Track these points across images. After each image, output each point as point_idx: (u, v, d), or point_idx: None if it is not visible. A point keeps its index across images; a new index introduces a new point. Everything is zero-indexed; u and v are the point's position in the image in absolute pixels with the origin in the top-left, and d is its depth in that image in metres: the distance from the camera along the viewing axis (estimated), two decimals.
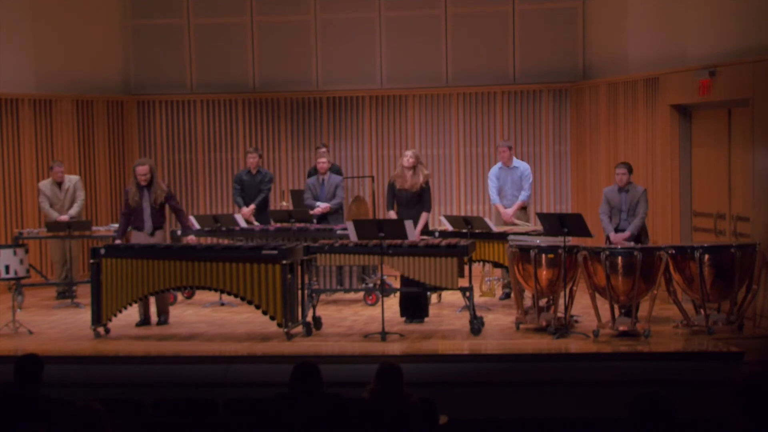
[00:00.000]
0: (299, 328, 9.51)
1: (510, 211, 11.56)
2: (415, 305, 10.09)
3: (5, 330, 9.80)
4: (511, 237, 10.07)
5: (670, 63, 11.04)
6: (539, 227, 10.72)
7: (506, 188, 11.69)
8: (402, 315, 10.09)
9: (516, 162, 11.78)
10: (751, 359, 8.21)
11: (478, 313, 9.69)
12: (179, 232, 11.72)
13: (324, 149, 12.26)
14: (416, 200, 10.28)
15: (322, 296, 11.11)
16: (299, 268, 9.57)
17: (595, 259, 9.07)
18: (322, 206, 11.54)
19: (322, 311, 10.13)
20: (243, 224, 11.55)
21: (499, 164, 11.82)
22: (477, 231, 10.70)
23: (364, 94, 14.09)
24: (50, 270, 12.87)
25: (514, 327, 9.64)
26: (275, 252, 9.19)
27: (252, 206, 12.03)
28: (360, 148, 14.12)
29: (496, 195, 11.75)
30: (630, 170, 10.14)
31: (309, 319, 9.61)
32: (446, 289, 9.55)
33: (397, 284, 11.66)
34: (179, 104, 14.34)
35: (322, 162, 11.76)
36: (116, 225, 12.29)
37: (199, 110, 14.32)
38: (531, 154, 13.73)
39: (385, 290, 10.11)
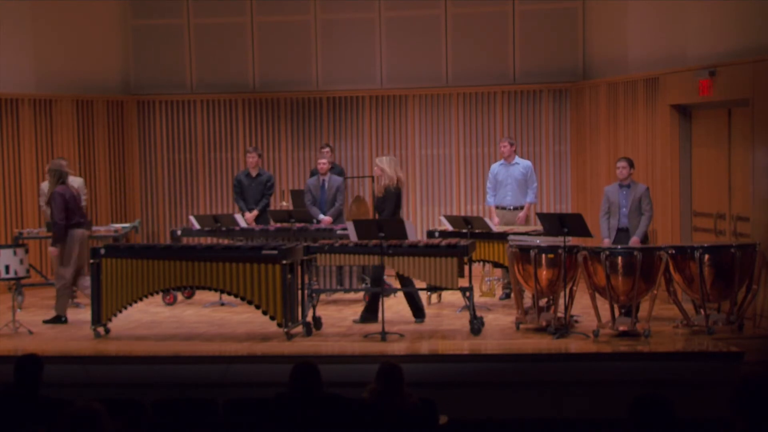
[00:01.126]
0: (299, 328, 9.52)
1: (522, 216, 11.60)
2: (374, 307, 10.04)
3: (5, 330, 9.80)
4: (511, 237, 10.07)
5: (670, 63, 11.04)
6: (539, 227, 10.74)
7: (507, 185, 11.70)
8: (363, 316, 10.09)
9: (518, 159, 11.79)
10: (751, 359, 8.21)
11: (478, 313, 9.69)
12: (179, 232, 11.74)
13: (327, 149, 12.26)
14: (383, 207, 10.31)
15: (322, 296, 11.11)
16: (299, 268, 9.58)
17: (595, 259, 9.07)
18: (324, 220, 11.55)
19: (322, 311, 10.13)
20: (243, 224, 11.55)
21: (500, 161, 11.85)
22: (477, 231, 10.71)
23: (364, 94, 14.09)
24: (50, 270, 12.87)
25: (514, 327, 9.65)
26: (275, 252, 9.19)
27: (255, 212, 12.03)
28: (360, 148, 14.12)
29: (491, 197, 11.84)
30: (631, 165, 10.15)
31: (309, 319, 9.61)
32: (446, 289, 9.55)
33: (397, 284, 11.67)
34: (179, 104, 14.34)
35: (322, 162, 11.77)
36: (117, 225, 12.34)
37: (199, 110, 14.32)
38: (531, 154, 13.72)
39: (385, 290, 10.10)
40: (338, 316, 10.52)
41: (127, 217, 14.03)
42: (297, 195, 12.89)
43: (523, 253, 9.41)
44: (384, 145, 14.06)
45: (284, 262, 9.15)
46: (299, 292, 9.57)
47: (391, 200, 10.21)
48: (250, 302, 9.35)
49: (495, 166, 11.88)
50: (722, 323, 9.14)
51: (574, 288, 9.31)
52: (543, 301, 9.56)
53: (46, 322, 10.31)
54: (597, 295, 9.19)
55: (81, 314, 10.89)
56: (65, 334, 9.93)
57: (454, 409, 6.95)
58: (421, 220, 13.89)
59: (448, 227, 11.16)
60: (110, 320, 9.66)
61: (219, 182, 14.30)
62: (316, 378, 5.65)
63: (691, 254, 9.11)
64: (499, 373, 8.31)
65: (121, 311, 9.68)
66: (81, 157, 13.64)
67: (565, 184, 13.70)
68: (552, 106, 13.75)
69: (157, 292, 9.86)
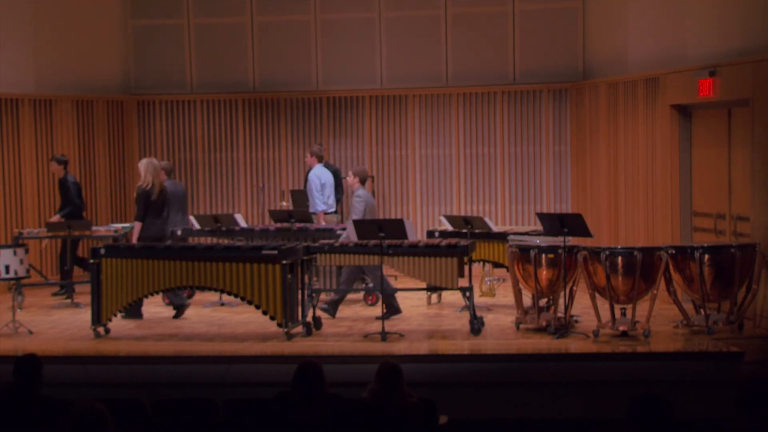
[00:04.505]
0: (299, 328, 9.52)
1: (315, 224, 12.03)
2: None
3: (5, 330, 9.80)
4: (511, 237, 10.08)
5: (670, 63, 11.04)
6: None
7: None
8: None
9: (314, 168, 12.14)
10: (751, 359, 8.21)
11: (478, 313, 9.69)
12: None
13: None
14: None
15: (322, 296, 11.10)
16: (299, 268, 9.57)
17: (595, 259, 9.07)
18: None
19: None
20: (243, 224, 11.56)
21: None
22: (477, 231, 10.71)
23: (364, 94, 14.09)
24: (50, 270, 12.88)
25: (514, 327, 9.65)
26: (275, 252, 9.20)
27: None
28: (360, 148, 14.11)
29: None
30: (354, 174, 10.40)
31: (309, 319, 9.62)
32: (446, 289, 9.55)
33: (397, 284, 11.66)
34: (179, 104, 14.34)
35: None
36: (117, 225, 12.34)
37: (199, 110, 14.31)
38: (531, 154, 13.73)
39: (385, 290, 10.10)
40: (338, 316, 10.51)
41: (127, 217, 14.00)
42: (297, 195, 12.88)
43: (523, 253, 9.41)
44: (384, 145, 14.06)
45: (284, 262, 9.15)
46: (299, 292, 9.57)
47: (140, 201, 10.41)
48: (250, 302, 9.35)
49: None
50: (722, 323, 9.14)
51: (574, 288, 9.31)
52: (543, 301, 9.57)
53: None
54: (597, 295, 9.19)
55: (81, 314, 10.89)
56: (65, 334, 9.94)
57: (454, 409, 6.96)
58: (421, 220, 13.89)
59: (448, 227, 11.16)
60: (110, 320, 9.66)
61: (219, 182, 14.30)
62: (320, 378, 5.65)
63: (691, 254, 9.11)
64: (499, 373, 8.31)
65: (121, 311, 9.69)
66: (81, 157, 13.64)
67: (565, 184, 13.69)
68: (552, 106, 13.74)
69: (157, 292, 9.86)
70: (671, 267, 9.19)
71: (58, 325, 10.43)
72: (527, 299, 9.74)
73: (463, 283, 9.51)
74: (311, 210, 11.95)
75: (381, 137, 14.09)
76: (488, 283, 11.78)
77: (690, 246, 9.22)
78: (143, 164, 10.57)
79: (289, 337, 9.24)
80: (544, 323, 9.37)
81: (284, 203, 13.14)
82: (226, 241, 11.20)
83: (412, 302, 11.41)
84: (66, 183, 12.09)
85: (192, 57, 14.31)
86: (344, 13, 14.10)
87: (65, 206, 12.07)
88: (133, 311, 10.34)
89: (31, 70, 13.23)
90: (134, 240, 10.44)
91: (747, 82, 9.53)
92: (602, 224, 12.28)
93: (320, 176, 12.05)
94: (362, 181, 10.37)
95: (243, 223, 11.57)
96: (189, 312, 11.08)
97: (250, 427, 5.90)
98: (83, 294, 11.36)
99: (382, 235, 9.27)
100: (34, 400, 5.75)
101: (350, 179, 10.44)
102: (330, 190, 12.11)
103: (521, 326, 9.60)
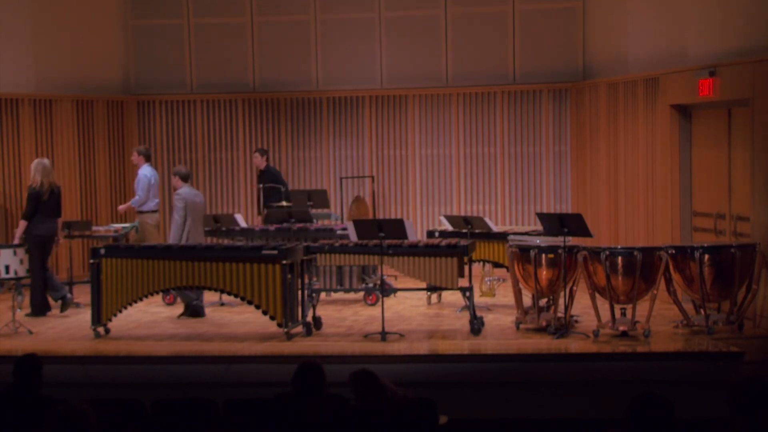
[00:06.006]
0: (299, 328, 9.52)
1: (121, 207, 12.41)
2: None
3: (5, 330, 9.80)
4: (511, 237, 10.08)
5: (670, 63, 11.04)
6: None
7: None
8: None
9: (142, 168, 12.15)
10: (751, 359, 8.21)
11: (478, 313, 9.69)
12: None
13: (257, 154, 12.97)
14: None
15: (322, 296, 11.11)
16: (299, 268, 9.57)
17: (595, 259, 9.07)
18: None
19: (322, 311, 10.13)
20: (243, 224, 11.56)
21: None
22: (477, 231, 10.71)
23: (364, 94, 14.09)
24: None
25: (514, 327, 9.65)
26: (275, 252, 9.20)
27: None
28: (360, 148, 14.11)
29: None
30: (174, 173, 10.58)
31: (309, 319, 9.62)
32: (446, 289, 9.55)
33: (397, 284, 11.67)
34: (179, 104, 14.34)
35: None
36: (117, 225, 12.34)
37: (199, 110, 14.31)
38: (531, 154, 13.72)
39: (385, 290, 10.10)
40: (338, 316, 10.52)
41: (127, 217, 14.01)
42: (297, 195, 12.88)
43: (523, 253, 9.41)
44: (384, 145, 14.06)
45: (284, 262, 9.15)
46: (299, 292, 9.57)
47: (30, 200, 10.79)
48: (250, 302, 9.36)
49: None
50: (722, 323, 9.14)
51: (574, 288, 9.31)
52: (543, 301, 9.57)
53: None
54: (597, 295, 9.20)
55: (81, 314, 10.89)
56: (65, 334, 9.94)
57: (454, 409, 6.96)
58: (421, 220, 13.89)
59: (448, 227, 11.16)
60: (110, 320, 9.67)
61: (219, 182, 14.30)
62: (320, 378, 5.65)
63: (691, 254, 9.11)
64: (499, 373, 8.32)
65: (121, 311, 9.69)
66: (81, 157, 13.64)
67: (565, 184, 13.69)
68: (552, 106, 13.75)
69: (157, 292, 9.88)
70: (671, 267, 9.19)
71: (58, 325, 10.43)
72: (527, 299, 9.74)
73: (463, 283, 9.51)
74: (137, 209, 12.04)
75: (381, 137, 14.09)
76: (488, 283, 11.78)
77: (690, 246, 9.23)
78: (34, 165, 10.93)
79: (289, 337, 9.25)
80: (544, 323, 9.38)
81: (284, 203, 13.13)
82: (226, 241, 11.20)
83: (412, 302, 11.41)
84: None
85: (192, 57, 14.32)
86: (344, 13, 14.10)
87: None
88: (41, 309, 10.70)
89: (31, 70, 13.23)
90: (17, 239, 10.65)
91: (747, 82, 9.53)
92: (602, 224, 12.28)
93: (149, 176, 12.10)
94: (184, 179, 10.52)
95: (243, 223, 11.57)
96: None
97: (250, 427, 5.90)
98: (84, 294, 11.36)
99: (382, 235, 9.27)
100: (34, 400, 5.75)
101: (173, 179, 10.60)
102: (156, 190, 12.16)
103: (521, 326, 9.60)
